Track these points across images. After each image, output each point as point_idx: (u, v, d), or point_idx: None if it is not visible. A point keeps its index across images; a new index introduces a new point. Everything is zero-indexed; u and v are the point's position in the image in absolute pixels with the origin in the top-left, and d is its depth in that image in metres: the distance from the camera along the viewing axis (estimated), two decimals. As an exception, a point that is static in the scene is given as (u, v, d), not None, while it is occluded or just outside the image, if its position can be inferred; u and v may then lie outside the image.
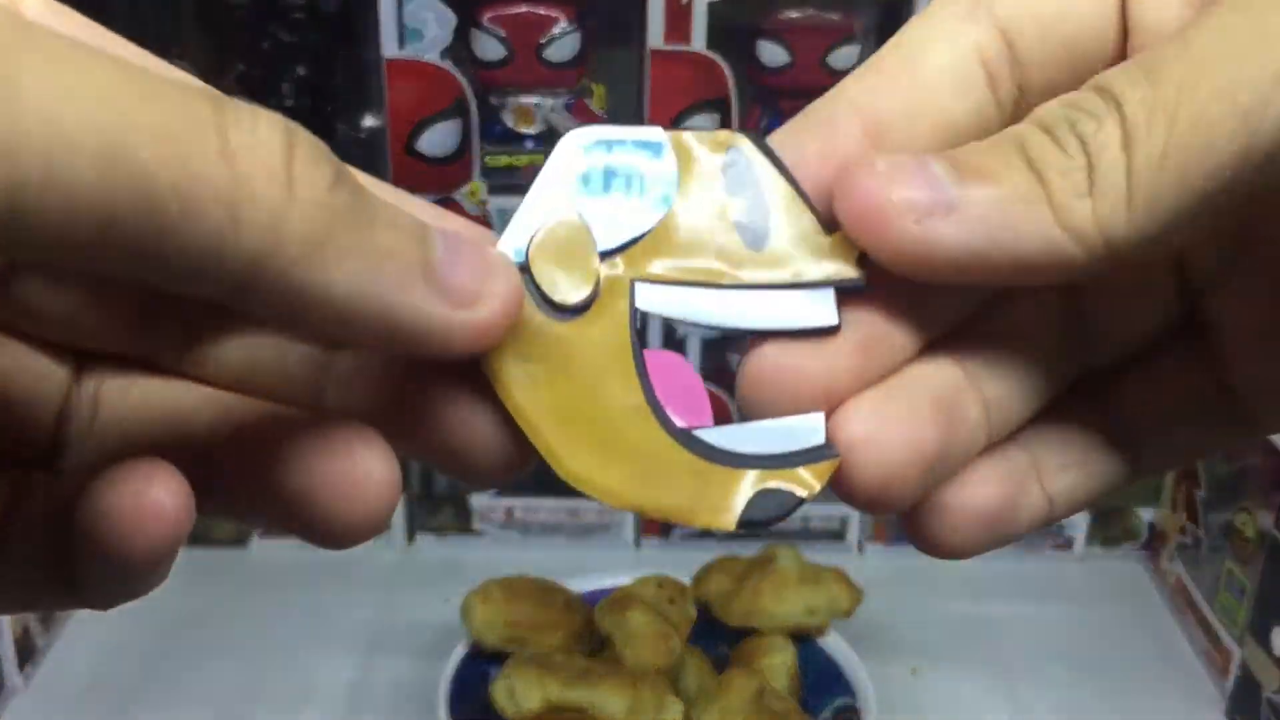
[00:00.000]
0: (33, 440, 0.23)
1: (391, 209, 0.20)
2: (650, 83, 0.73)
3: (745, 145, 0.23)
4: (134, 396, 0.23)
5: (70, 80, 0.16)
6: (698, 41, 0.72)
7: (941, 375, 0.24)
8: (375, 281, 0.19)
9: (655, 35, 0.72)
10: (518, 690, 0.64)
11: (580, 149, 0.23)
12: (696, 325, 0.23)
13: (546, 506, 0.84)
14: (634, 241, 0.23)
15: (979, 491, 0.24)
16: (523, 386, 0.22)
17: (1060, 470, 0.25)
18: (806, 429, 0.23)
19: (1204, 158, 0.20)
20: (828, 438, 0.23)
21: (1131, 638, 0.80)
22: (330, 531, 0.22)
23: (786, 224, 0.23)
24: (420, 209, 0.23)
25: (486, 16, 0.72)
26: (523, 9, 0.72)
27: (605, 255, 0.23)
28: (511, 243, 0.23)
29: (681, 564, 0.75)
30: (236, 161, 0.17)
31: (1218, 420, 0.26)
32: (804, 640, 0.71)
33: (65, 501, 0.21)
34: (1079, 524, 0.85)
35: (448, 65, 0.72)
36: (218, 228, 0.17)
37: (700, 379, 0.24)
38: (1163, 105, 0.20)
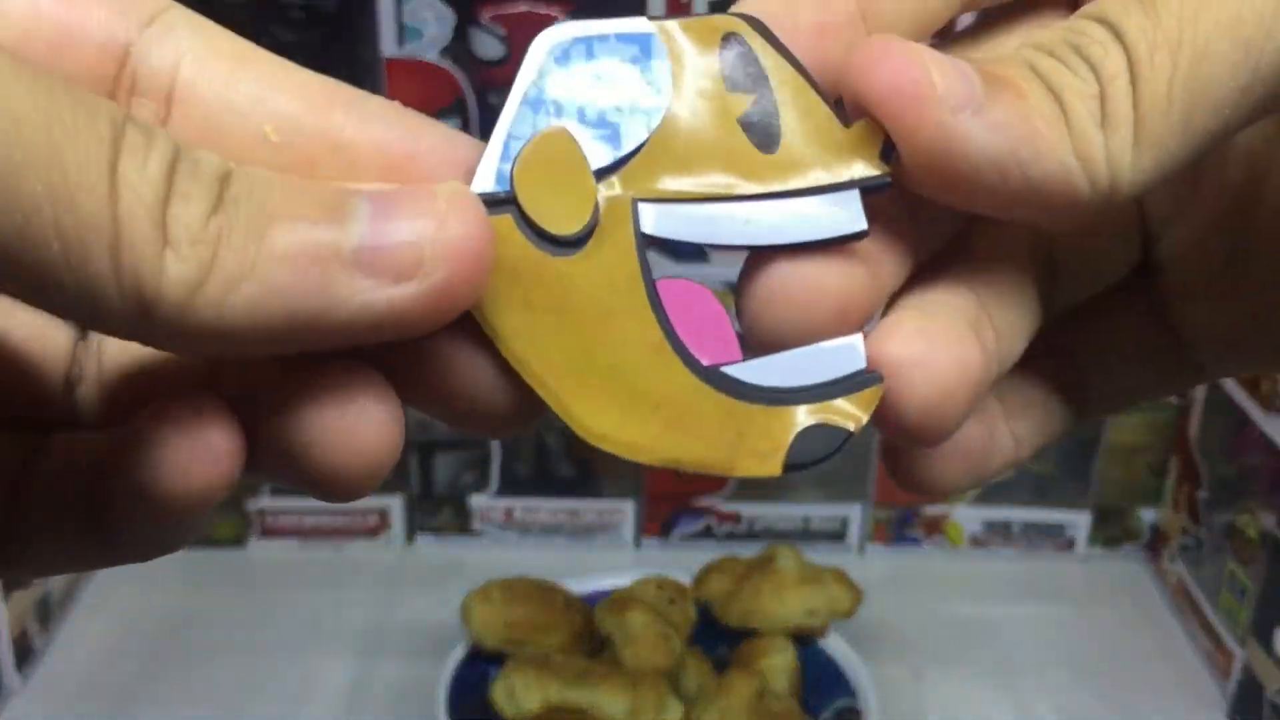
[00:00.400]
0: (46, 400, 0.22)
1: (296, 192, 0.18)
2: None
3: (745, 32, 0.20)
4: (133, 353, 0.22)
5: None
6: (698, 40, 0.72)
7: (962, 299, 0.22)
8: (278, 295, 0.17)
9: (655, 34, 0.72)
10: (517, 691, 0.64)
11: (557, 52, 0.20)
12: (713, 246, 0.21)
13: (546, 507, 0.84)
14: (631, 156, 0.20)
15: (962, 429, 0.23)
16: (523, 335, 0.20)
17: (1023, 411, 0.25)
18: (843, 355, 0.21)
19: (1206, 96, 0.19)
20: (869, 362, 0.21)
21: (1133, 639, 0.79)
22: (329, 480, 0.20)
23: (798, 119, 0.20)
24: (399, 119, 0.20)
25: (486, 15, 0.72)
26: (522, 7, 0.72)
27: (600, 175, 0.20)
28: (491, 170, 0.20)
29: (681, 564, 0.75)
30: (120, 200, 0.16)
31: (1163, 365, 0.26)
32: (805, 641, 0.71)
33: (98, 452, 0.20)
34: (1080, 524, 0.85)
35: (447, 64, 0.72)
36: (100, 270, 0.16)
37: (724, 308, 0.21)
38: (1165, 39, 0.19)
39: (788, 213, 0.20)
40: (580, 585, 0.73)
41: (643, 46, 0.20)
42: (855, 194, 0.21)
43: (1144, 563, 0.86)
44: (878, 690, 0.68)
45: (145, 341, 0.17)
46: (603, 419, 0.20)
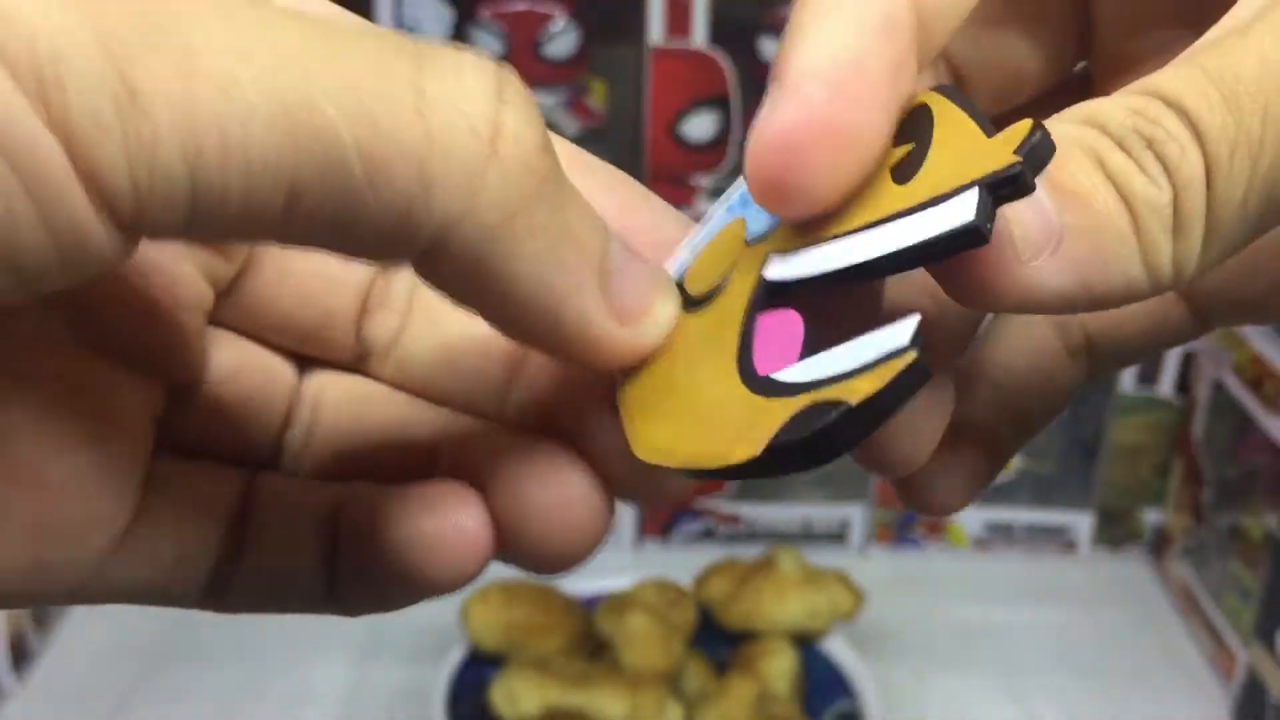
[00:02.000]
0: (263, 438, 0.23)
1: (581, 195, 0.18)
2: (651, 80, 0.72)
3: (931, 99, 0.20)
4: (349, 411, 0.23)
5: (246, 40, 0.15)
6: (698, 38, 0.72)
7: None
8: (557, 270, 0.18)
9: (655, 31, 0.72)
10: (516, 694, 0.63)
11: None
12: (828, 275, 0.19)
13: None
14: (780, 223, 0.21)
15: (965, 446, 0.24)
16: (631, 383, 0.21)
17: (1024, 391, 0.25)
18: (891, 337, 0.18)
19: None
20: (914, 340, 0.18)
21: (1136, 641, 0.79)
22: (544, 550, 0.21)
23: (945, 146, 0.19)
24: (620, 190, 0.22)
25: (485, 13, 0.71)
26: (521, 6, 0.71)
27: (751, 242, 0.21)
28: (676, 262, 0.21)
29: (682, 566, 0.75)
30: (433, 114, 0.16)
31: (1169, 315, 0.25)
32: (806, 643, 0.71)
33: (323, 508, 0.21)
34: (1083, 526, 0.85)
35: (446, 62, 0.72)
36: (407, 190, 0.16)
37: (801, 329, 0.20)
38: (1246, 139, 0.18)
39: (896, 227, 0.19)
40: (580, 587, 0.73)
41: None
42: (974, 190, 0.18)
43: (1147, 564, 0.86)
44: (879, 693, 0.68)
45: (421, 271, 0.17)
46: (648, 430, 0.20)
